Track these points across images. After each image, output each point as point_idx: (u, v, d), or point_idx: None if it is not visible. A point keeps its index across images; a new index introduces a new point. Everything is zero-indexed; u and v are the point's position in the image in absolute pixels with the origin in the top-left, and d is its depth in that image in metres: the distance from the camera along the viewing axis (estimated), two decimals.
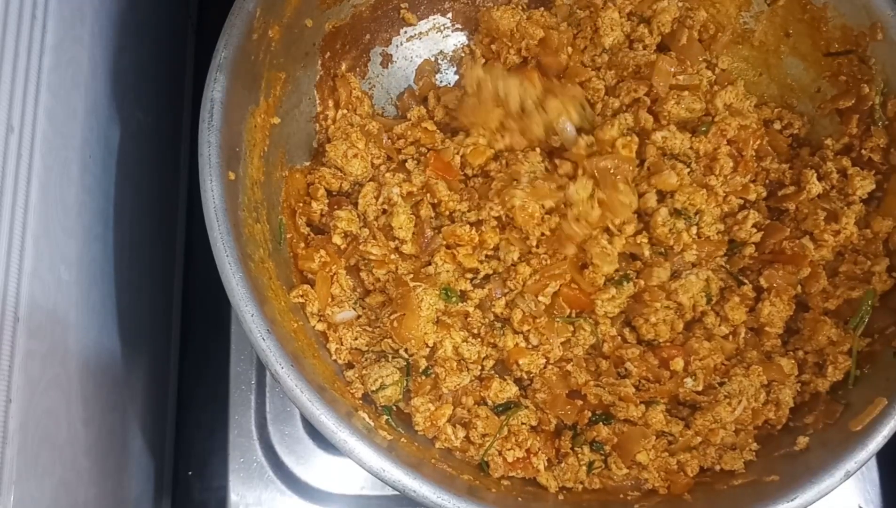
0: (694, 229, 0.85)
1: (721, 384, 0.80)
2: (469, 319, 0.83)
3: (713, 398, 0.79)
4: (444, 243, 0.83)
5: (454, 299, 0.81)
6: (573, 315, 0.83)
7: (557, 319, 0.82)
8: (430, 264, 0.83)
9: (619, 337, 0.85)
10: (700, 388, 0.80)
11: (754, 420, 0.79)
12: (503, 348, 0.81)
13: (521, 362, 0.81)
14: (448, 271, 0.82)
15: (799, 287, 0.84)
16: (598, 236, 0.83)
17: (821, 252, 0.84)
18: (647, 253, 0.85)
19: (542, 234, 0.83)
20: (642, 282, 0.84)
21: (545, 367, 0.82)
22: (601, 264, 0.82)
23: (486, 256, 0.84)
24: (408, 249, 0.83)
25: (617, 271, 0.84)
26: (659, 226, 0.84)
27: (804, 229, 0.85)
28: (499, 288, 0.83)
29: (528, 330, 0.82)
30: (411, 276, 0.82)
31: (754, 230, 0.86)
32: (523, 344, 0.82)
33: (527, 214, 0.81)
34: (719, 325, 0.84)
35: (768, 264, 0.85)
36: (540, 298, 0.82)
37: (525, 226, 0.82)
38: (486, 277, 0.85)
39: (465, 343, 0.80)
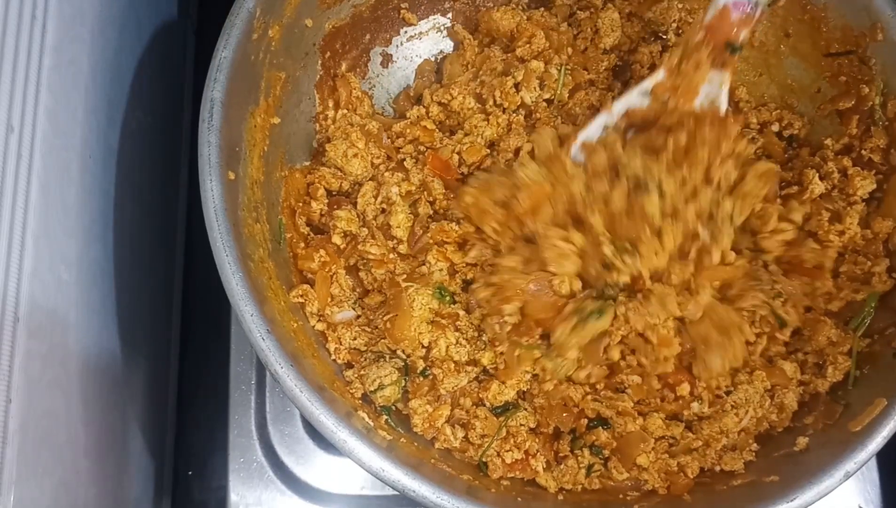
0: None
1: (728, 392, 0.79)
2: (458, 322, 0.81)
3: (720, 408, 0.79)
4: (432, 240, 0.81)
5: (447, 298, 0.80)
6: (538, 339, 0.76)
7: (520, 348, 0.76)
8: (424, 263, 0.83)
9: (609, 368, 0.79)
10: (707, 409, 0.79)
11: (757, 426, 0.79)
12: (484, 364, 0.80)
13: (507, 382, 0.79)
14: (441, 271, 0.82)
15: None
16: (551, 234, 0.73)
17: (828, 253, 0.83)
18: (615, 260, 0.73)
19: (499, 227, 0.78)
20: (630, 319, 0.74)
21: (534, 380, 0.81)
22: (558, 269, 0.73)
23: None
24: (404, 248, 0.83)
25: (600, 296, 0.74)
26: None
27: (808, 230, 0.85)
28: (473, 299, 0.80)
29: (501, 352, 0.79)
30: (405, 276, 0.81)
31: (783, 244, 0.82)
32: (502, 366, 0.79)
33: (479, 209, 0.78)
34: None
35: (785, 274, 0.83)
36: (506, 318, 0.76)
37: (479, 222, 0.79)
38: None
39: (455, 345, 0.79)
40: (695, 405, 0.79)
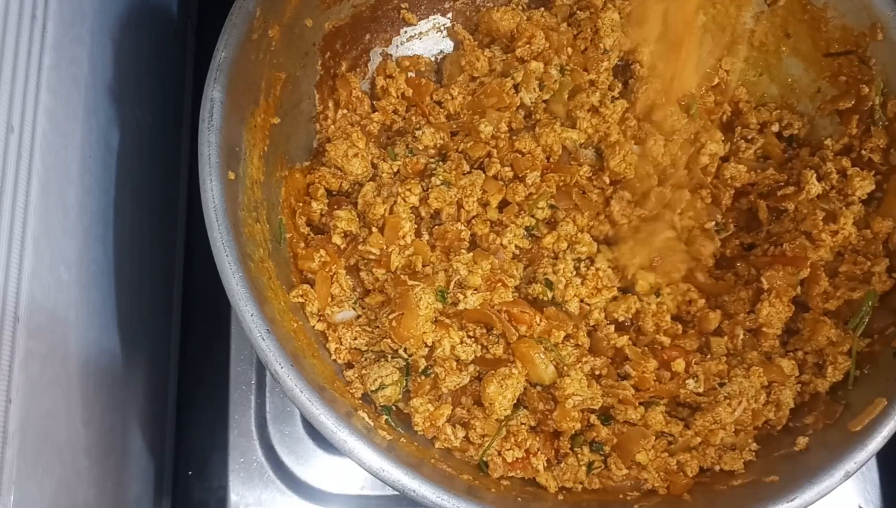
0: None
1: (721, 384, 0.80)
2: (464, 320, 0.82)
3: (713, 398, 0.79)
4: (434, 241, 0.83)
5: (449, 300, 0.81)
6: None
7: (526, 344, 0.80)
8: (427, 264, 0.83)
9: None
10: (702, 389, 0.80)
11: (754, 421, 0.79)
12: (497, 356, 0.81)
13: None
14: (445, 272, 0.82)
15: (799, 288, 0.84)
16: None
17: (819, 253, 0.84)
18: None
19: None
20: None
21: None
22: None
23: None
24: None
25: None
26: None
27: (803, 230, 0.85)
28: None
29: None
30: (408, 275, 0.81)
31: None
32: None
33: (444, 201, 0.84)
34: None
35: (768, 266, 0.85)
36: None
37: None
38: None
39: (461, 345, 0.80)
40: (690, 382, 0.80)
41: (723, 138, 0.91)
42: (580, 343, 0.82)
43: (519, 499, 0.74)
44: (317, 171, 0.88)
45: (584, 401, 0.78)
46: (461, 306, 0.80)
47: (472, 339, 0.81)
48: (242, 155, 0.75)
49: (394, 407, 0.79)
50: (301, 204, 0.86)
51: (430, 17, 0.98)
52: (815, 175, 0.86)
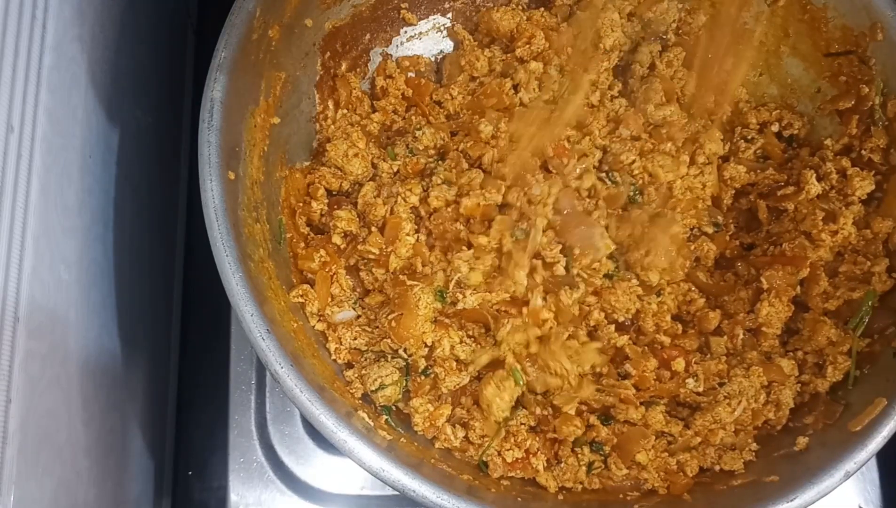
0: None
1: (721, 384, 0.80)
2: (463, 320, 0.82)
3: (713, 398, 0.79)
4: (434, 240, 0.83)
5: (448, 300, 0.81)
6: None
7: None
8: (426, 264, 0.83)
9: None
10: (701, 388, 0.80)
11: (754, 421, 0.79)
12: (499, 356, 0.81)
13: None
14: (444, 272, 0.82)
15: (798, 288, 0.84)
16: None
17: (818, 252, 0.84)
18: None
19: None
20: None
21: None
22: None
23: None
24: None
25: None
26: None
27: (802, 230, 0.85)
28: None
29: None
30: (408, 275, 0.81)
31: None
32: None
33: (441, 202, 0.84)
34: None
35: (768, 266, 0.85)
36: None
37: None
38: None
39: (461, 344, 0.80)
40: (690, 382, 0.80)
41: (723, 138, 0.91)
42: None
43: (519, 499, 0.74)
44: (317, 171, 0.88)
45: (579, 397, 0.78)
46: (460, 306, 0.80)
47: (472, 339, 0.81)
48: (242, 155, 0.75)
49: (394, 407, 0.79)
50: (301, 204, 0.86)
51: (430, 17, 0.98)
52: (814, 175, 0.86)
